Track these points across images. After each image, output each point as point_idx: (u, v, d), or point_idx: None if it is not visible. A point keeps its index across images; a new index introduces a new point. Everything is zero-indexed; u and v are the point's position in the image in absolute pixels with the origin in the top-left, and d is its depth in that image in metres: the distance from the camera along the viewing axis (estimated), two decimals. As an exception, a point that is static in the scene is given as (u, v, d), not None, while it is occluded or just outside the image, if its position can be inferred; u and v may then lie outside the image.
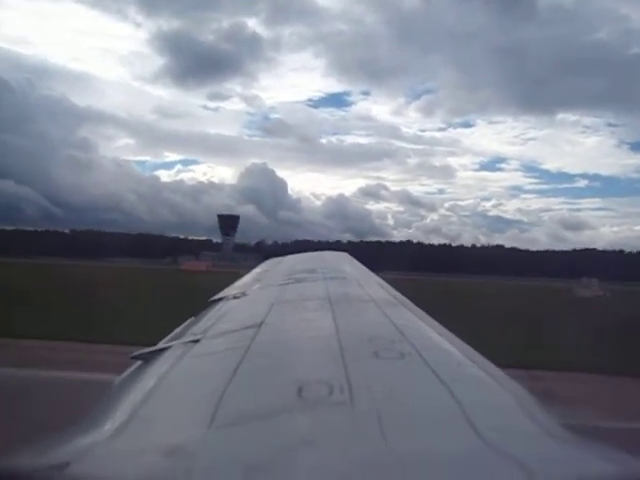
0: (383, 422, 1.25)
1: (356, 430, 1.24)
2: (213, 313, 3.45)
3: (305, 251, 8.01)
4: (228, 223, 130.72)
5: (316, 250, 8.50)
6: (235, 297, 4.01)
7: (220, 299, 4.10)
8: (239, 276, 5.65)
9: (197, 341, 2.47)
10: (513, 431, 1.26)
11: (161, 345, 2.50)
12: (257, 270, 6.41)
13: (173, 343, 2.51)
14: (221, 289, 4.57)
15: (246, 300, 3.87)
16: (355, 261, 6.59)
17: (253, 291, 4.31)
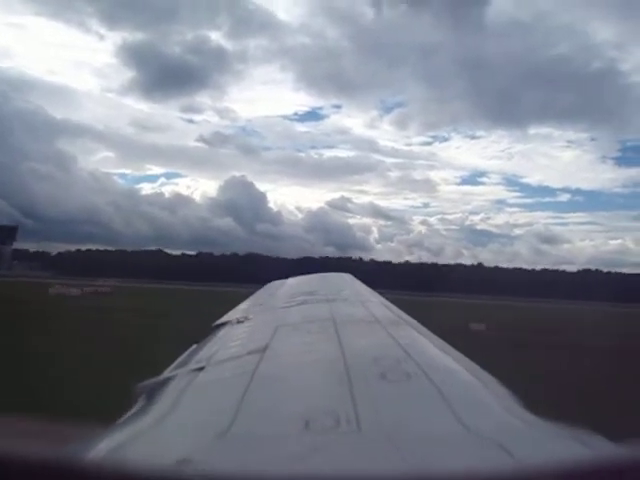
0: (392, 448, 1.24)
1: (365, 458, 1.23)
2: (217, 339, 3.43)
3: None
4: (4, 233, 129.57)
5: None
6: (239, 321, 3.99)
7: (223, 324, 4.08)
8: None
9: (202, 369, 2.46)
10: (523, 452, 1.24)
11: (166, 375, 2.48)
12: (260, 293, 6.40)
13: (177, 372, 2.49)
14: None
15: (250, 324, 3.86)
16: (358, 282, 6.58)
17: (256, 315, 4.30)
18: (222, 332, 3.71)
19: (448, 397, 1.63)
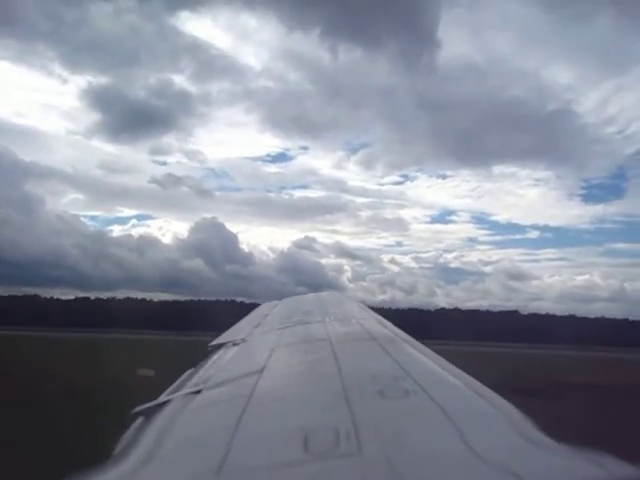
0: (393, 469, 1.22)
1: (366, 478, 1.22)
2: (213, 361, 3.40)
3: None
4: None
5: None
6: (234, 344, 3.96)
7: (219, 346, 4.05)
8: None
9: (198, 392, 2.43)
10: (531, 474, 1.22)
11: (162, 399, 2.45)
12: (255, 314, 6.37)
13: (174, 396, 2.46)
14: None
15: (246, 346, 3.83)
16: (351, 299, 6.57)
17: (252, 336, 4.27)
18: (218, 354, 3.68)
19: (449, 415, 1.61)
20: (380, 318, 4.44)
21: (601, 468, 1.18)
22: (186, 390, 2.54)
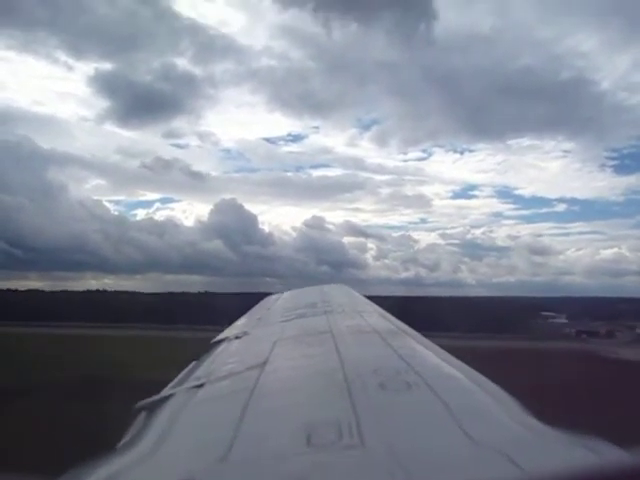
0: (395, 461, 1.23)
1: (368, 471, 1.22)
2: (215, 355, 3.41)
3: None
4: None
5: None
6: (237, 337, 3.97)
7: (222, 340, 4.06)
8: None
9: (201, 386, 2.44)
10: (530, 462, 1.23)
11: (165, 392, 2.46)
12: (258, 307, 6.38)
13: (177, 390, 2.47)
14: None
15: (248, 339, 3.84)
16: (354, 292, 6.57)
17: (255, 329, 4.28)
18: (221, 348, 3.68)
19: (451, 406, 1.62)
20: (383, 311, 4.45)
21: (595, 453, 1.25)
22: (189, 384, 2.55)
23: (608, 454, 1.26)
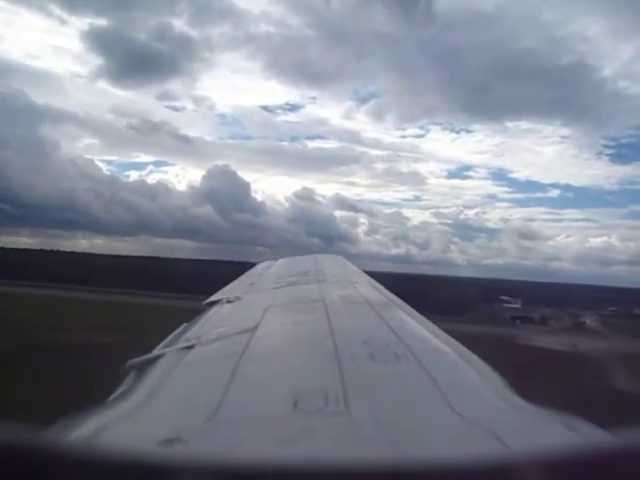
0: (379, 428, 1.25)
1: (354, 441, 1.24)
2: (207, 318, 3.43)
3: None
4: None
5: None
6: (229, 301, 3.99)
7: (214, 302, 4.08)
8: None
9: (191, 347, 2.46)
10: (511, 437, 1.26)
11: (155, 353, 2.48)
12: (250, 273, 6.40)
13: (167, 350, 2.49)
14: None
15: (240, 304, 3.86)
16: (348, 263, 6.59)
17: (247, 295, 4.30)
18: (212, 311, 3.71)
19: (437, 379, 1.65)
20: (376, 283, 4.47)
21: (573, 431, 1.30)
22: (180, 345, 2.56)
23: (586, 432, 1.30)
